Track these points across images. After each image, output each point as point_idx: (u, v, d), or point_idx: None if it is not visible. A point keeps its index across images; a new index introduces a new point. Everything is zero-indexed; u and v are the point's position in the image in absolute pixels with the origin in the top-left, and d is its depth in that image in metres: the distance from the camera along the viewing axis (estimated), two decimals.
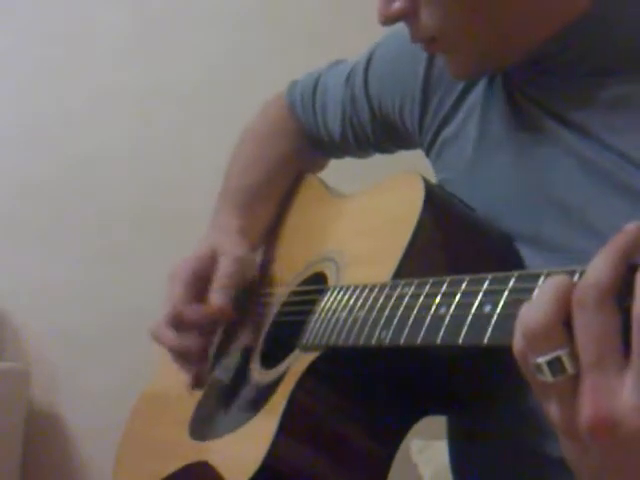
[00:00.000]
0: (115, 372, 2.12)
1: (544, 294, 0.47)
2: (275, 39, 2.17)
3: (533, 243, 0.73)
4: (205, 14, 2.22)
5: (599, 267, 0.46)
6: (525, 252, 0.73)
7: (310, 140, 1.08)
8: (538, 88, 0.76)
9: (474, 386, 0.74)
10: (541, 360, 0.46)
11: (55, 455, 2.21)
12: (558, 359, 0.46)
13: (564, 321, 0.46)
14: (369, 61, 0.98)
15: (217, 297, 0.90)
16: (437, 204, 0.75)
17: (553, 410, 0.47)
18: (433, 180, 0.83)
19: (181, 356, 0.92)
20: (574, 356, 0.46)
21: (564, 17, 0.71)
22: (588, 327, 0.45)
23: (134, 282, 2.17)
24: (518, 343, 0.48)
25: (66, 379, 2.20)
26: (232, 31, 2.20)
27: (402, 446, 0.74)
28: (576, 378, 0.46)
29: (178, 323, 0.90)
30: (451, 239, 0.76)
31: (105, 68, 2.24)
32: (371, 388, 0.73)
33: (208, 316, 0.91)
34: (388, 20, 0.74)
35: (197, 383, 0.93)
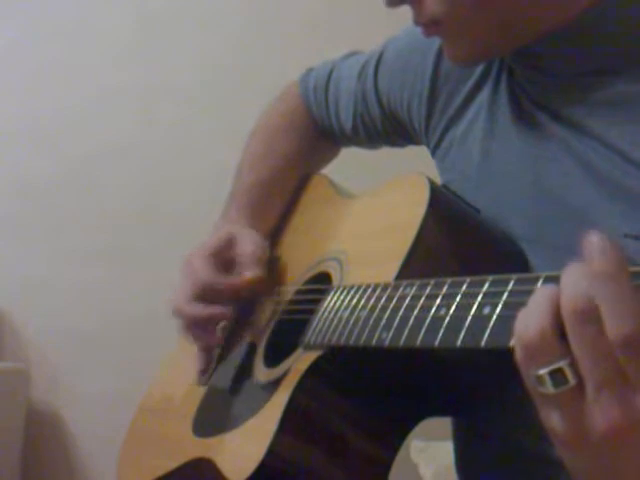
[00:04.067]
0: (115, 372, 2.13)
1: (537, 305, 0.47)
2: (276, 39, 2.18)
3: (537, 244, 0.73)
4: (205, 14, 2.22)
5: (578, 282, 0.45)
6: (529, 252, 0.73)
7: (321, 130, 1.08)
8: (541, 89, 0.76)
9: (477, 388, 0.74)
10: (542, 372, 0.46)
11: (55, 455, 2.21)
12: (559, 370, 0.45)
13: (561, 331, 0.46)
14: (380, 58, 0.98)
15: (252, 269, 0.92)
16: (442, 205, 0.75)
17: (556, 421, 0.47)
18: (438, 180, 0.83)
19: (207, 326, 0.92)
20: (575, 366, 0.45)
21: (567, 11, 0.71)
22: (592, 343, 0.44)
23: (134, 282, 2.17)
24: (517, 354, 0.47)
25: (66, 379, 2.20)
26: (233, 31, 2.20)
27: (402, 446, 0.74)
28: (578, 388, 0.45)
29: (207, 295, 0.91)
30: (455, 240, 0.75)
31: (106, 68, 2.24)
32: (373, 388, 0.73)
33: (244, 286, 0.92)
34: (393, 1, 0.74)
35: (211, 364, 0.94)
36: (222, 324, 0.92)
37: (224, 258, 0.95)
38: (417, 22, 0.76)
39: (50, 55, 2.25)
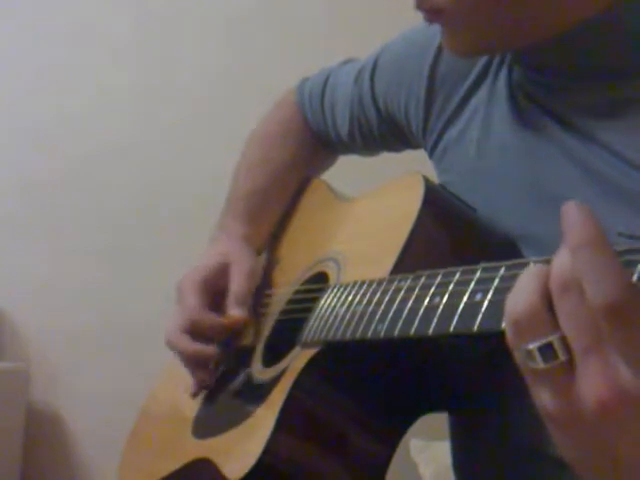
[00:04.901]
0: (115, 372, 2.13)
1: (527, 282, 0.47)
2: (276, 40, 2.18)
3: (533, 245, 0.73)
4: (205, 15, 2.22)
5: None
6: (527, 254, 0.73)
7: (317, 138, 1.08)
8: (542, 90, 0.76)
9: (475, 383, 0.74)
10: (532, 346, 0.46)
11: (55, 455, 2.20)
12: (549, 344, 0.45)
13: (549, 307, 0.46)
14: (376, 62, 0.98)
15: (237, 310, 0.93)
16: (437, 202, 0.75)
17: (546, 398, 0.46)
18: (435, 181, 0.83)
19: (195, 361, 0.94)
20: (565, 341, 0.45)
21: (579, 13, 0.69)
22: (575, 312, 0.44)
23: (134, 282, 2.17)
24: (508, 331, 0.47)
25: (66, 379, 2.20)
26: (233, 31, 2.20)
27: (402, 446, 0.74)
28: (569, 364, 0.45)
29: (194, 331, 0.92)
30: (450, 237, 0.75)
31: (106, 69, 2.24)
32: (371, 385, 0.73)
33: (228, 327, 0.93)
34: None
35: (203, 388, 0.95)
36: (211, 364, 0.94)
37: (215, 286, 0.96)
38: (420, 8, 0.74)
39: (50, 55, 2.25)
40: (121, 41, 2.23)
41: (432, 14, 0.74)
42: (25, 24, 2.27)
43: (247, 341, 0.94)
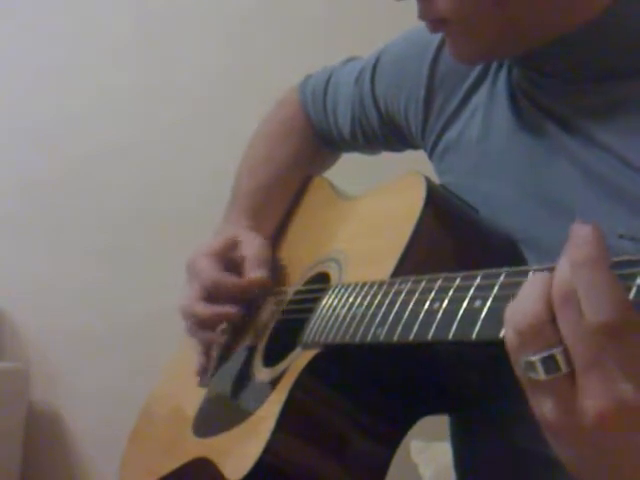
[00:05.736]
0: (115, 372, 2.13)
1: (531, 291, 0.47)
2: (276, 40, 2.17)
3: (534, 247, 0.73)
4: (205, 15, 2.22)
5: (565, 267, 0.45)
6: (527, 256, 0.73)
7: (320, 136, 1.09)
8: (543, 91, 0.76)
9: (474, 385, 0.74)
10: (534, 358, 0.46)
11: (55, 455, 2.21)
12: (552, 357, 0.45)
13: (552, 318, 0.46)
14: (377, 63, 0.98)
15: (258, 271, 0.94)
16: (439, 204, 0.75)
17: (547, 409, 0.46)
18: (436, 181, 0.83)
19: (212, 324, 0.93)
20: (567, 354, 0.45)
21: (579, 17, 0.70)
22: (577, 323, 0.44)
23: (134, 282, 2.17)
24: (509, 340, 0.47)
25: (66, 379, 2.20)
26: (233, 31, 2.20)
27: (402, 446, 0.74)
28: (571, 376, 0.45)
29: (213, 294, 0.92)
30: (452, 238, 0.75)
31: (106, 69, 2.24)
32: (371, 386, 0.73)
33: (250, 287, 0.93)
34: None
35: (209, 366, 0.95)
36: (223, 326, 0.93)
37: (228, 259, 0.96)
38: (423, 17, 0.75)
39: (50, 55, 2.25)
40: (121, 41, 2.23)
41: (435, 23, 0.74)
42: (25, 24, 2.27)
43: (249, 340, 0.93)
